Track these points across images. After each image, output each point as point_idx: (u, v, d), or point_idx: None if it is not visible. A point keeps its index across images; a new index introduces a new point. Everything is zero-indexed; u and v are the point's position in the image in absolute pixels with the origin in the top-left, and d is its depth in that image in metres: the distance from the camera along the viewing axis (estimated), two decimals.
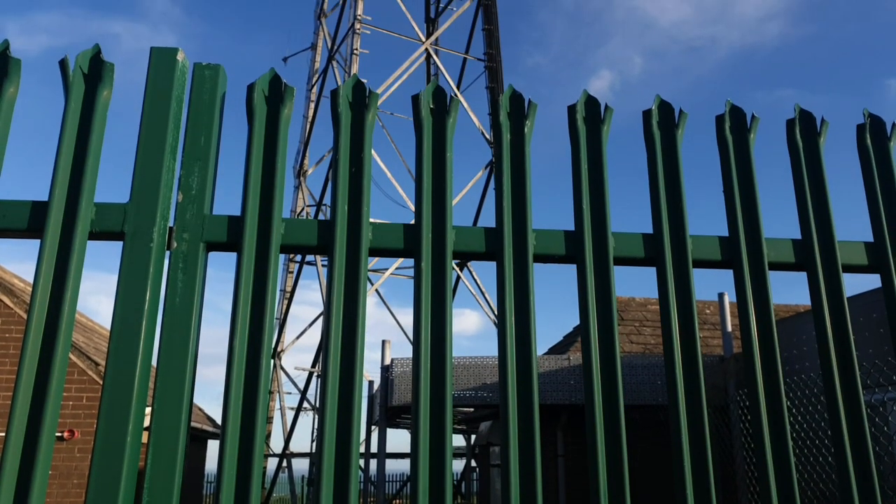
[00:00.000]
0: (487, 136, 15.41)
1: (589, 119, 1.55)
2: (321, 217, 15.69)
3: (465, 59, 16.10)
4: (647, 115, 1.57)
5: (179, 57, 1.44)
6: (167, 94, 1.41)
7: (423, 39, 15.45)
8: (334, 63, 16.28)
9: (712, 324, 12.18)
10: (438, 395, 1.32)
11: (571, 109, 1.58)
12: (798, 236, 1.53)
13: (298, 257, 17.36)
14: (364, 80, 1.60)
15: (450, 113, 1.50)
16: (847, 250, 1.54)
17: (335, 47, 16.08)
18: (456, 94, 15.98)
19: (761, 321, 1.45)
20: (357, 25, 14.47)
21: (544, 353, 12.91)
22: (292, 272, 17.84)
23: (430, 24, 18.58)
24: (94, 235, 1.32)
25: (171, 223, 1.35)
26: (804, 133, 1.61)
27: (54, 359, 1.23)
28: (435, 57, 16.17)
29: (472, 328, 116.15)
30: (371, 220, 1.40)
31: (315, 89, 16.99)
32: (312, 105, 16.97)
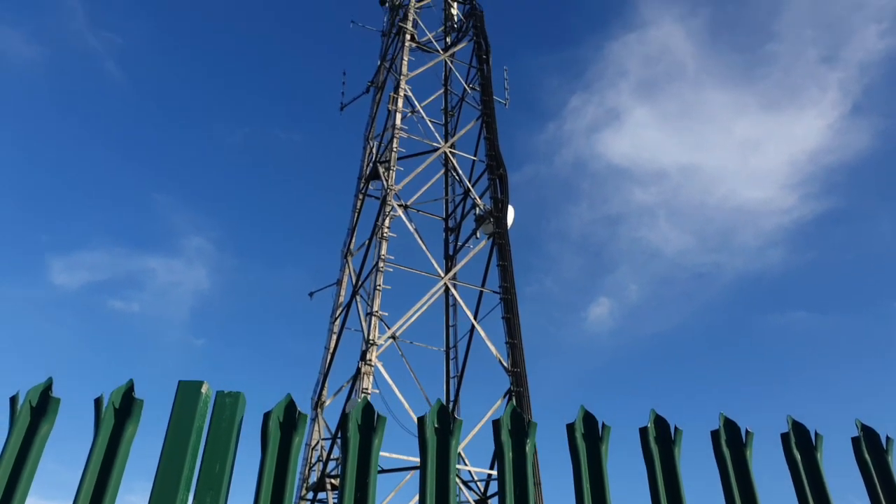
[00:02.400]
0: (505, 364, 15.48)
1: (588, 436, 1.59)
2: (336, 451, 15.25)
3: (481, 292, 16.77)
4: (643, 431, 1.60)
5: (203, 389, 1.54)
6: (188, 426, 1.49)
7: (443, 275, 16.23)
8: (358, 297, 17.04)
9: None
10: None
11: (570, 428, 1.62)
12: None
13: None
14: (372, 402, 1.68)
15: (453, 433, 1.55)
16: None
17: (359, 283, 16.92)
18: (474, 324, 16.36)
19: None
20: (381, 264, 15.34)
21: None
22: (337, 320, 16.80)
23: (449, 259, 19.67)
24: None
25: None
26: (800, 447, 1.63)
27: None
28: (453, 290, 16.87)
29: None
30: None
31: (338, 322, 17.59)
32: (335, 337, 17.43)
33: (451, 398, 17.66)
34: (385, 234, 15.91)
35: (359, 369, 14.67)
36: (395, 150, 17.25)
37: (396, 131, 17.45)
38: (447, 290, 16.79)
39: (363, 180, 18.82)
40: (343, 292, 18.25)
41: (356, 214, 18.73)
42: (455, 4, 21.49)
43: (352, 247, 18.45)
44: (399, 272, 16.02)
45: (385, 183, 16.99)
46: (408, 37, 19.42)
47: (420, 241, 16.90)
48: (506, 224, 16.66)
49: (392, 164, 17.09)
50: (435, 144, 18.06)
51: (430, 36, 20.24)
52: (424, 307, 15.69)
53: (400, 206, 16.93)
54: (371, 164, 18.55)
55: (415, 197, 17.73)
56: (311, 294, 18.53)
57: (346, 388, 17.35)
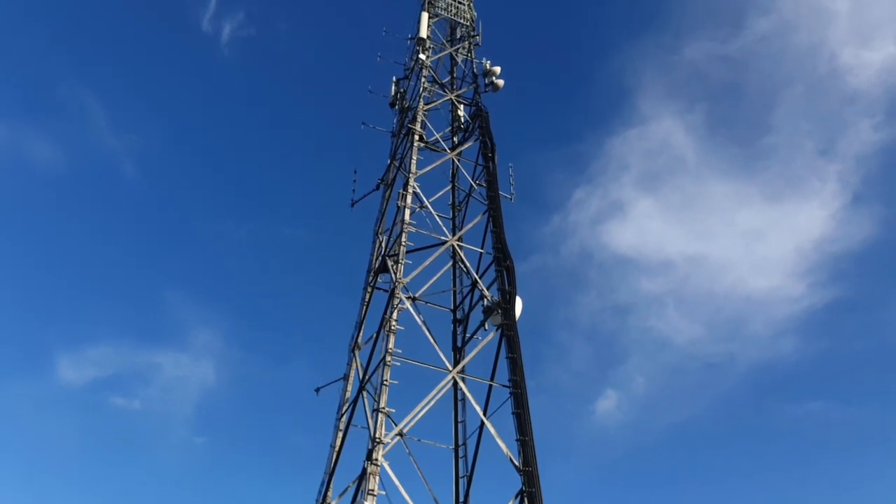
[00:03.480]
0: (516, 463, 14.78)
1: None
2: None
3: (490, 386, 16.28)
4: None
5: None
6: None
7: (451, 369, 15.83)
8: (364, 393, 16.57)
9: None
10: None
11: None
12: None
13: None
14: None
15: None
16: None
17: (366, 378, 16.51)
18: (483, 420, 15.77)
19: None
20: (388, 358, 15.01)
21: None
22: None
23: (457, 352, 19.28)
24: None
25: None
26: None
27: None
28: (462, 384, 16.41)
29: None
30: None
31: (344, 418, 17.05)
32: (340, 434, 16.86)
33: (461, 499, 16.76)
34: (393, 328, 15.67)
35: (364, 469, 14.02)
36: (403, 243, 17.32)
37: (405, 226, 17.59)
38: (455, 384, 16.33)
39: (372, 273, 18.79)
40: (350, 387, 17.77)
41: (364, 307, 18.57)
42: (461, 107, 22.25)
43: (359, 340, 18.16)
44: (407, 366, 15.64)
45: (394, 276, 16.93)
46: (416, 137, 19.97)
47: (428, 334, 16.62)
48: (514, 315, 16.41)
49: (401, 257, 17.11)
50: (443, 238, 18.14)
51: (437, 136, 20.83)
52: (432, 402, 15.20)
53: (408, 298, 16.79)
54: (380, 258, 18.59)
55: (423, 289, 17.62)
56: (317, 390, 18.09)
57: (351, 487, 16.57)
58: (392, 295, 16.49)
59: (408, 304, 16.36)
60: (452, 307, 19.62)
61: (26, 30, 50.56)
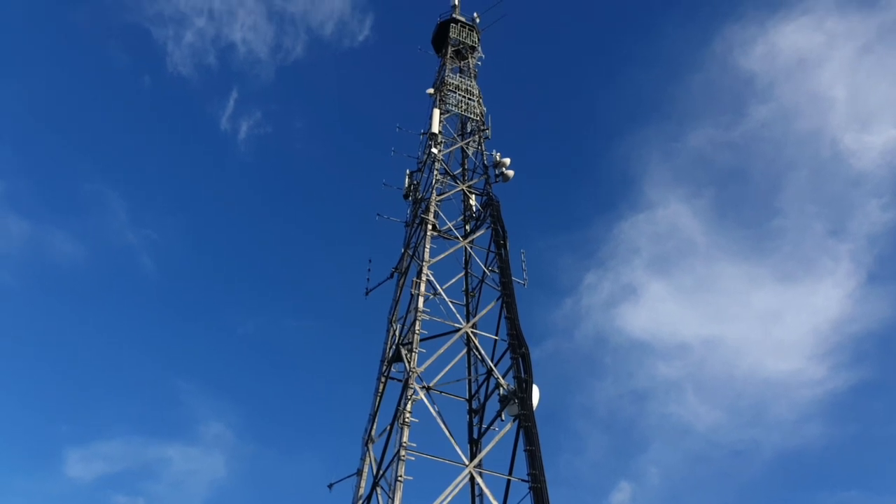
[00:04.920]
0: None
1: None
2: None
3: (508, 481, 15.40)
4: None
5: None
6: None
7: (467, 462, 15.05)
8: (378, 489, 15.73)
9: None
10: None
11: None
12: None
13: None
14: None
15: None
16: None
17: (380, 474, 15.72)
18: None
19: None
20: (402, 452, 14.31)
21: None
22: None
23: (473, 444, 18.43)
24: None
25: None
26: None
27: None
28: (479, 479, 15.53)
29: None
30: None
31: None
32: None
33: None
34: (407, 420, 15.03)
35: None
36: (417, 332, 16.94)
37: (419, 314, 17.27)
38: (472, 478, 15.45)
39: (386, 363, 18.30)
40: (363, 483, 16.90)
41: (378, 398, 17.96)
42: (473, 196, 22.41)
43: (373, 433, 17.45)
44: (422, 459, 14.87)
45: (407, 365, 16.45)
46: (429, 227, 20.00)
47: (443, 426, 15.91)
48: (531, 405, 15.72)
49: (415, 345, 16.69)
50: (457, 325, 17.76)
51: (450, 225, 20.85)
52: (449, 499, 14.33)
53: (423, 388, 16.22)
54: (394, 347, 18.16)
55: (437, 378, 17.06)
56: (330, 486, 17.20)
57: None
58: (406, 385, 15.95)
59: (422, 395, 15.78)
60: (468, 396, 18.94)
61: (53, 130, 52.94)
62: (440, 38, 28.27)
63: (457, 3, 28.85)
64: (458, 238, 20.47)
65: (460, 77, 26.38)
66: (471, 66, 27.34)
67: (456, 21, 28.21)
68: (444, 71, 26.32)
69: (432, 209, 20.52)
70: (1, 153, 50.61)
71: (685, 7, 57.62)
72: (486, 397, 18.07)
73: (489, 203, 21.22)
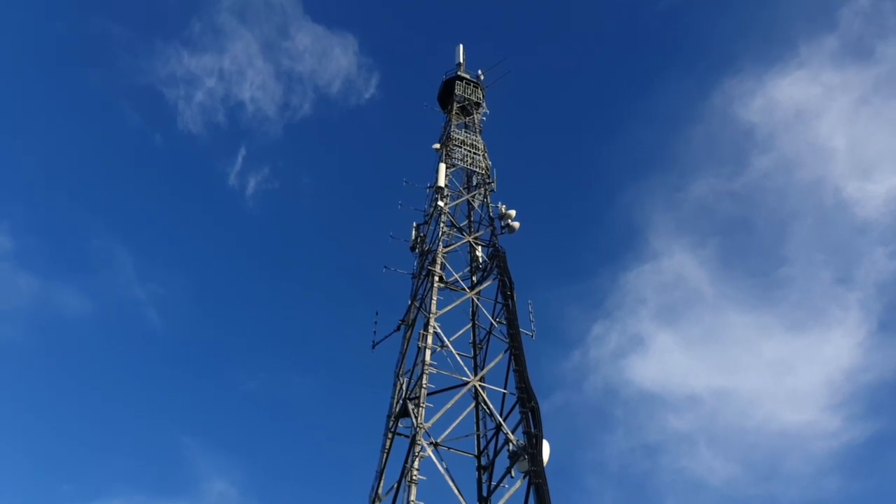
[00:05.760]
0: None
1: None
2: None
3: None
4: None
5: None
6: None
7: None
8: None
9: None
10: None
11: None
12: None
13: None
14: None
15: None
16: None
17: None
18: None
19: None
20: None
21: None
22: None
23: (483, 502, 17.75)
24: None
25: None
26: None
27: None
28: None
29: None
30: None
31: None
32: None
33: None
34: (415, 477, 14.52)
35: None
36: (424, 386, 16.58)
37: (426, 367, 16.94)
38: None
39: (392, 418, 17.84)
40: None
41: (384, 455, 17.42)
42: (479, 248, 22.31)
43: (380, 491, 16.85)
44: None
45: (415, 420, 16.01)
46: (436, 278, 19.84)
47: (452, 484, 15.36)
48: (542, 461, 15.17)
49: (422, 400, 16.30)
50: (464, 379, 17.38)
51: (456, 276, 20.70)
52: None
53: (430, 444, 15.74)
54: (401, 402, 17.74)
55: (445, 433, 16.58)
56: None
57: None
58: (413, 441, 15.48)
59: (430, 451, 15.29)
60: (476, 452, 18.35)
61: (65, 188, 53.77)
62: (446, 95, 28.77)
63: (462, 61, 29.50)
64: (464, 289, 20.28)
65: (465, 132, 26.70)
66: (476, 121, 27.72)
67: (461, 78, 28.77)
68: (450, 126, 26.66)
69: (439, 261, 20.41)
70: (13, 211, 51.40)
71: (682, 62, 58.88)
72: (496, 453, 17.51)
73: (496, 254, 21.11)
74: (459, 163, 24.94)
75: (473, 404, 18.34)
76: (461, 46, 29.82)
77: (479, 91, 28.76)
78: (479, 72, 29.35)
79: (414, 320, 20.38)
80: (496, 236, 22.25)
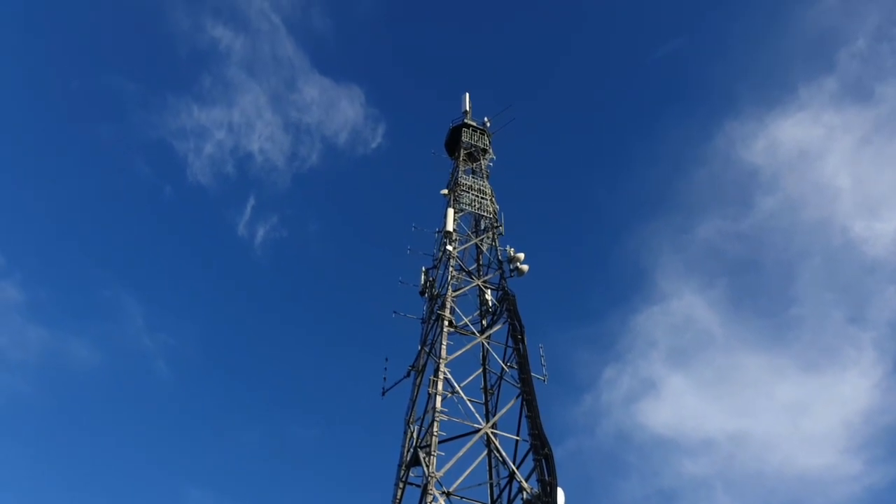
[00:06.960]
0: None
1: None
2: None
3: None
4: None
5: None
6: None
7: None
8: None
9: None
10: None
11: None
12: None
13: None
14: None
15: None
16: None
17: None
18: None
19: None
20: None
21: None
22: None
23: None
24: None
25: None
26: None
27: None
28: None
29: None
30: None
31: None
32: None
33: None
34: None
35: None
36: (435, 433, 16.12)
37: (437, 414, 16.51)
38: None
39: (403, 467, 17.31)
40: None
41: None
42: (488, 291, 22.05)
43: None
44: None
45: (426, 469, 15.52)
46: (446, 323, 19.56)
47: None
48: None
49: (433, 448, 15.82)
50: (476, 426, 16.91)
51: (466, 320, 20.41)
52: None
53: (442, 493, 15.20)
54: (412, 450, 17.24)
55: (457, 482, 16.02)
56: None
57: None
58: (425, 491, 14.97)
59: (442, 502, 14.76)
60: (489, 501, 17.72)
61: (76, 239, 54.27)
62: (453, 142, 28.98)
63: (468, 108, 29.82)
64: (475, 333, 19.95)
65: (473, 177, 26.78)
66: (483, 167, 27.82)
67: (468, 126, 29.03)
68: (458, 172, 26.77)
69: (448, 305, 20.16)
70: (25, 264, 51.89)
71: (683, 105, 59.38)
72: (510, 502, 16.88)
73: (505, 297, 20.83)
74: (467, 207, 24.93)
75: (486, 452, 17.80)
76: (467, 94, 30.19)
77: (486, 137, 28.96)
78: (486, 118, 29.62)
79: (424, 366, 20.01)
80: (505, 279, 22.03)
